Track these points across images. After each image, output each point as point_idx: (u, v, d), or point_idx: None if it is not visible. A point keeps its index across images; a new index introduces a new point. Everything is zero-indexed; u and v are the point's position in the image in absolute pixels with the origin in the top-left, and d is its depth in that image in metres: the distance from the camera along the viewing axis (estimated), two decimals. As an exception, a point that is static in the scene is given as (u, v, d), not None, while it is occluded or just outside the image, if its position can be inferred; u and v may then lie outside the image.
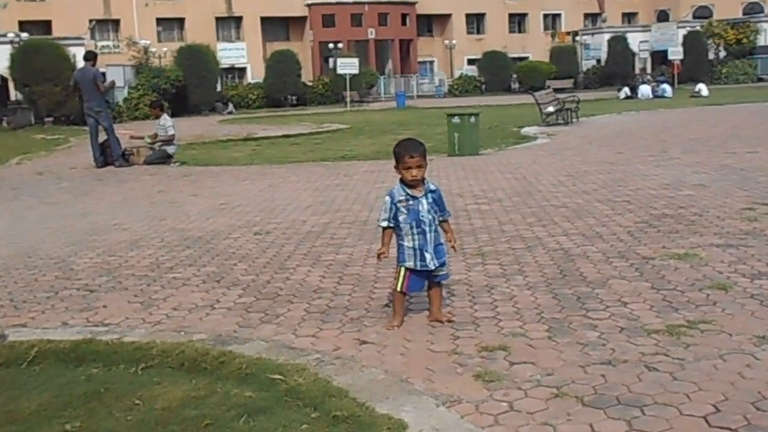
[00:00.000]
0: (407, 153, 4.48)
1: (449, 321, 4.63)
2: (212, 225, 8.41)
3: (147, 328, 4.84)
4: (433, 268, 4.57)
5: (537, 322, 4.58)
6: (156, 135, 15.56)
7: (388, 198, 4.56)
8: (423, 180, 4.55)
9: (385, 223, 4.57)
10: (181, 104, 38.34)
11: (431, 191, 4.57)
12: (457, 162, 13.58)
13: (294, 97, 46.61)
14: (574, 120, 22.65)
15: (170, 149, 15.52)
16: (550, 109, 22.51)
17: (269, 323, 4.83)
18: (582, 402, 3.48)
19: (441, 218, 4.63)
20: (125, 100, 37.14)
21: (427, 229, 4.53)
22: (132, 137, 16.39)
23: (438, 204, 4.60)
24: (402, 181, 4.55)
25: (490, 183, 10.69)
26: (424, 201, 4.52)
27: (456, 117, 14.79)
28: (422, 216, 4.51)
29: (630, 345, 4.13)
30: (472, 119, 14.74)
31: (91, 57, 14.95)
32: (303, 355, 4.22)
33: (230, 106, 42.47)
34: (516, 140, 17.59)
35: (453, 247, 4.71)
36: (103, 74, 18.37)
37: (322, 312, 5.01)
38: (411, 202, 4.51)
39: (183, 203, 10.19)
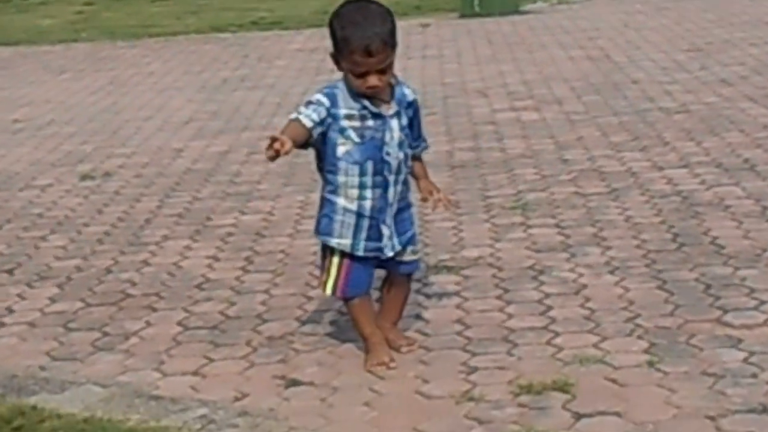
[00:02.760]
0: (359, 43, 4.28)
1: (409, 348, 4.67)
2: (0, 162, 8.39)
3: None
4: (391, 254, 4.56)
5: (627, 336, 4.61)
6: None
7: (323, 98, 4.43)
8: (392, 81, 4.49)
9: (307, 122, 4.38)
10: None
11: (408, 103, 4.56)
12: (476, 28, 13.61)
13: None
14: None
15: None
16: None
17: (110, 351, 4.84)
18: (712, 486, 3.54)
19: (413, 152, 4.65)
20: None
21: (392, 178, 4.49)
22: None
23: (414, 126, 4.61)
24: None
25: (541, 68, 10.74)
26: (395, 123, 4.48)
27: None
28: (388, 152, 4.46)
29: (805, 375, 4.19)
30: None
31: None
32: (176, 410, 4.24)
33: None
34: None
35: (441, 203, 4.75)
36: None
37: (214, 326, 5.02)
38: (371, 123, 4.43)
39: (-60, 121, 10.12)
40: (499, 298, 5.13)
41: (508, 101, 9.36)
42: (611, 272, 5.34)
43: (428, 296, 5.22)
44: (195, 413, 4.20)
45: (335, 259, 4.49)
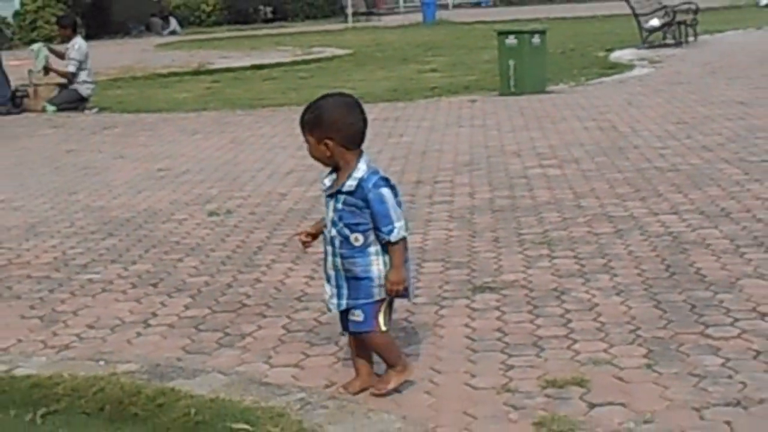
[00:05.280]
0: None
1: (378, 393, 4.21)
2: (146, 202, 8.46)
3: (49, 356, 4.88)
4: (333, 310, 4.26)
5: (630, 344, 4.59)
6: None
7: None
8: (358, 164, 4.11)
9: None
10: (99, 21, 38.38)
11: (346, 191, 4.09)
12: (513, 104, 13.58)
13: (269, 8, 46.49)
14: (690, 39, 22.49)
15: (84, 89, 15.55)
16: (655, 22, 22.35)
17: (230, 347, 4.87)
18: (696, 462, 3.50)
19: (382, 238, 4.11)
20: (16, 15, 37.16)
21: (327, 248, 4.21)
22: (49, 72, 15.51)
23: (373, 214, 4.07)
24: None
25: (562, 136, 10.68)
26: (330, 203, 4.16)
27: (511, 36, 14.74)
28: (325, 224, 4.22)
29: (770, 377, 4.15)
30: (536, 39, 14.69)
31: None
32: (281, 393, 4.25)
33: (173, 23, 42.46)
34: (602, 70, 17.57)
35: (389, 289, 4.13)
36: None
37: (310, 330, 5.04)
38: (326, 196, 4.23)
39: (103, 169, 10.25)
40: (529, 312, 5.12)
41: (536, 160, 9.32)
42: (617, 294, 5.32)
43: (474, 310, 5.21)
44: (295, 396, 4.22)
45: None
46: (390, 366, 4.25)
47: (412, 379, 4.28)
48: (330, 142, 4.09)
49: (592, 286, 5.47)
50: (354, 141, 4.13)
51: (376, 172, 4.12)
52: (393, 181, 4.19)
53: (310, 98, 16.08)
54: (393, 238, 4.07)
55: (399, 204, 4.15)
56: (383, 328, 4.18)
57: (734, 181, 7.88)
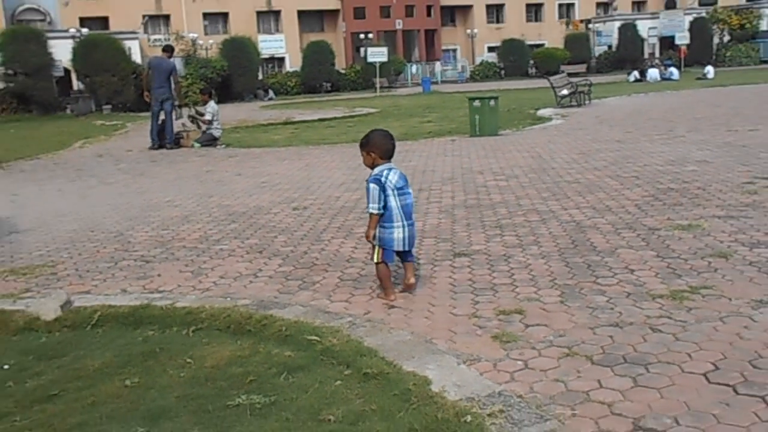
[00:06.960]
0: None
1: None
2: (254, 201, 8.46)
3: (197, 295, 4.91)
4: None
5: (550, 288, 4.57)
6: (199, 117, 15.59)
7: None
8: (377, 168, 4.44)
9: None
10: (225, 92, 38.44)
11: (366, 180, 4.48)
12: (477, 142, 13.50)
13: (328, 84, 46.45)
14: (587, 102, 22.35)
15: (216, 132, 15.60)
16: (565, 92, 22.22)
17: (306, 290, 4.87)
18: (591, 360, 3.48)
19: None
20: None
21: None
22: (195, 115, 15.81)
23: None
24: None
25: (508, 161, 10.61)
26: None
27: (477, 100, 14.66)
28: None
29: (636, 309, 4.12)
30: (492, 102, 14.61)
31: (169, 50, 15.46)
32: (337, 318, 4.26)
33: (270, 93, 42.49)
34: (532, 121, 17.41)
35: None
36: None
37: (354, 280, 5.04)
38: None
39: (228, 182, 10.24)
40: (488, 269, 5.10)
41: (492, 176, 9.25)
42: (542, 258, 5.29)
43: (455, 267, 5.19)
44: (345, 320, 4.22)
45: None
46: (383, 289, 4.51)
47: (416, 309, 4.26)
48: (372, 154, 4.43)
49: (527, 253, 5.45)
50: (385, 155, 4.45)
51: (378, 175, 4.42)
52: (390, 183, 4.40)
53: (355, 138, 15.92)
54: (367, 212, 4.42)
55: (386, 196, 4.37)
56: (375, 261, 4.48)
57: (614, 189, 7.79)
